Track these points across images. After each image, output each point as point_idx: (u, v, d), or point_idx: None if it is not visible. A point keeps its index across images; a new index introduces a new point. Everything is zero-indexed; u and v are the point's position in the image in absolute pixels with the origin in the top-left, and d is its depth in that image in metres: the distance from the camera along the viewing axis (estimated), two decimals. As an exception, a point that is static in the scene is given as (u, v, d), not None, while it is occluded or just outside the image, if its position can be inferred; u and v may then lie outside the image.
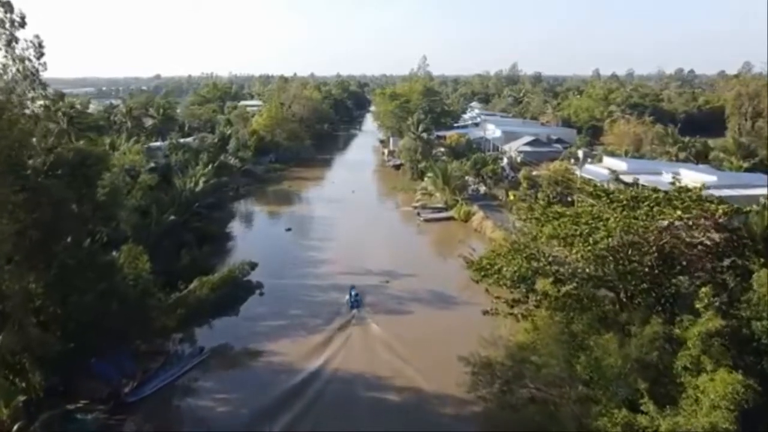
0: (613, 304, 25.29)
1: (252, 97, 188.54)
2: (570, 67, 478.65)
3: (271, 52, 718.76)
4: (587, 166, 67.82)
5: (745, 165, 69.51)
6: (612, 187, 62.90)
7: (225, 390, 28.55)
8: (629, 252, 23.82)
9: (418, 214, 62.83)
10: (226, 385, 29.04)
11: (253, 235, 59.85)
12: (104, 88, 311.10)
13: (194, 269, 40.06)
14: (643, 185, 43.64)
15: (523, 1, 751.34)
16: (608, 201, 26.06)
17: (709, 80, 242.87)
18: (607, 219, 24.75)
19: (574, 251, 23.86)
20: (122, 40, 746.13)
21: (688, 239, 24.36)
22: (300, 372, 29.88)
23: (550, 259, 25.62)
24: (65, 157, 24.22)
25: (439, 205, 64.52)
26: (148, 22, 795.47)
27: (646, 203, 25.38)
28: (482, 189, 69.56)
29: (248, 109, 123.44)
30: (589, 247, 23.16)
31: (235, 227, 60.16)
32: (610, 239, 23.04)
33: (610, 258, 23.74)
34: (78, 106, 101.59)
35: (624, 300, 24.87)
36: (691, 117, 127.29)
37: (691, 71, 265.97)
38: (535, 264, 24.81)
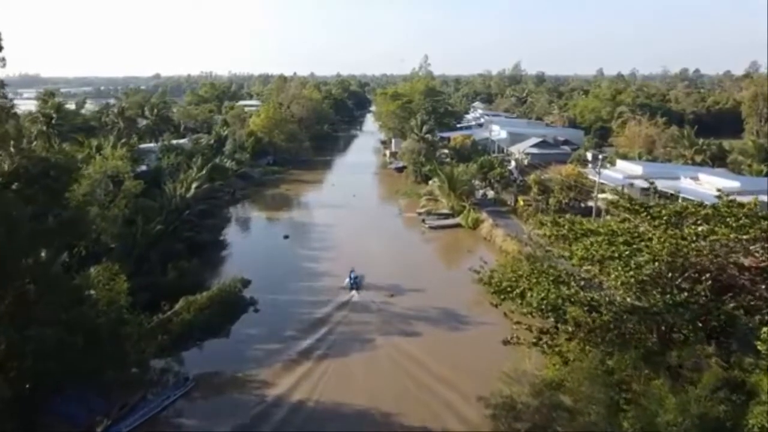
0: (650, 332, 22.12)
1: (251, 97, 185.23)
2: (572, 67, 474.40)
3: (271, 51, 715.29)
4: (591, 169, 64.52)
5: (765, 169, 66.28)
6: (626, 191, 59.91)
7: (210, 427, 25.26)
8: (678, 279, 20.62)
9: (423, 220, 59.53)
10: (212, 421, 25.73)
11: (249, 242, 56.56)
12: (102, 88, 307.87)
13: (182, 285, 37.02)
14: (685, 197, 40.06)
15: (524, 1, 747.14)
16: (648, 216, 22.88)
17: (711, 80, 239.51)
18: (650, 239, 21.56)
19: (612, 276, 20.59)
20: (122, 40, 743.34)
21: (743, 261, 21.24)
22: (295, 408, 26.65)
23: (582, 283, 22.44)
24: (25, 168, 20.97)
25: (446, 211, 61.15)
26: (148, 21, 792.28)
27: (692, 220, 22.27)
28: (490, 194, 66.29)
29: (246, 109, 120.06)
30: (631, 273, 19.91)
31: (231, 234, 56.78)
32: (655, 263, 19.80)
33: (653, 285, 20.55)
34: (71, 106, 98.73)
35: (664, 330, 21.67)
36: (699, 118, 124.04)
37: (697, 71, 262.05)
38: (565, 290, 21.50)
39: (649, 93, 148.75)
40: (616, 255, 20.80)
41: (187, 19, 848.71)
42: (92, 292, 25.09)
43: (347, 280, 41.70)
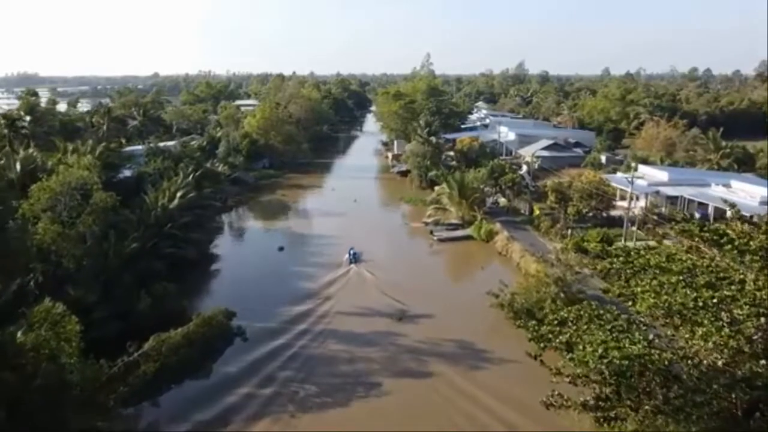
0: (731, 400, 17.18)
1: (249, 97, 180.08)
2: (575, 67, 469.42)
3: (271, 50, 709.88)
4: (618, 176, 59.78)
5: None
6: (651, 200, 54.97)
7: None
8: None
9: (431, 232, 54.49)
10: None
11: (241, 256, 51.53)
12: (99, 87, 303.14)
13: (159, 311, 32.26)
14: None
15: (526, 1, 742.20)
16: (734, 250, 17.89)
17: (715, 80, 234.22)
18: (740, 281, 16.62)
19: (698, 334, 15.67)
20: (122, 39, 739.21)
21: None
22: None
23: (651, 336, 17.53)
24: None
25: (455, 222, 56.15)
26: (148, 21, 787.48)
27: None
28: (501, 201, 61.43)
29: (243, 109, 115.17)
30: (726, 331, 15.01)
31: (221, 245, 52.00)
32: (761, 319, 14.91)
33: (748, 344, 15.62)
34: (63, 106, 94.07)
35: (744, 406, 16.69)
36: (713, 119, 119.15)
37: (708, 70, 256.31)
38: (630, 346, 16.52)
39: (657, 93, 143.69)
40: (701, 304, 15.89)
41: (186, 18, 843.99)
42: (41, 331, 20.30)
43: (347, 256, 45.78)
